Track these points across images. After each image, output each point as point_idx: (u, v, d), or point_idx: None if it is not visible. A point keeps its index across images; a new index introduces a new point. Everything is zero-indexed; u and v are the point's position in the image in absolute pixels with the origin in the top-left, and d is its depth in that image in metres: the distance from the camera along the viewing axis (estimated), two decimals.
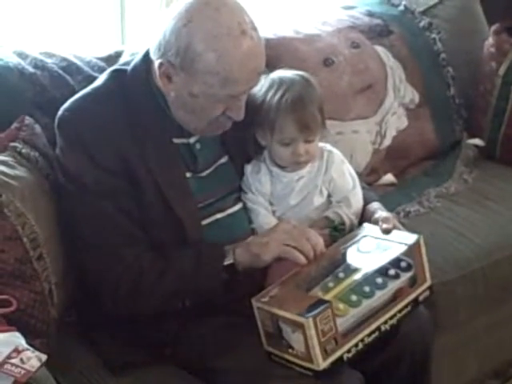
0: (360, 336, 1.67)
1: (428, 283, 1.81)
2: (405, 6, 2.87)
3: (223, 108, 1.77)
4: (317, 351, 1.59)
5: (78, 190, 1.78)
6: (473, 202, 2.57)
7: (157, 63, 1.75)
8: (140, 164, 1.78)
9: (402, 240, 1.80)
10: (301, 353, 1.62)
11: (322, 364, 1.61)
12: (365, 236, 1.82)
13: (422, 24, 2.85)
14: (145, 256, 1.78)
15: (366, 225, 1.87)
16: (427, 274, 1.81)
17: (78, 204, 1.78)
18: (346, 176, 1.93)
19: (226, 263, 1.76)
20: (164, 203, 1.80)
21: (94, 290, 1.81)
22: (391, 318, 1.72)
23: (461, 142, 2.83)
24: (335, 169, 1.92)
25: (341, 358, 1.64)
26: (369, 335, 1.68)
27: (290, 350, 1.64)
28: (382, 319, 1.70)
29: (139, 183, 1.78)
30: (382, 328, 1.70)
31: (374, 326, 1.69)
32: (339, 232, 1.87)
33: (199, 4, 1.72)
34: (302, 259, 1.72)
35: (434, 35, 2.85)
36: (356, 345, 1.66)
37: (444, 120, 2.80)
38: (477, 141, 2.86)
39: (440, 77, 2.81)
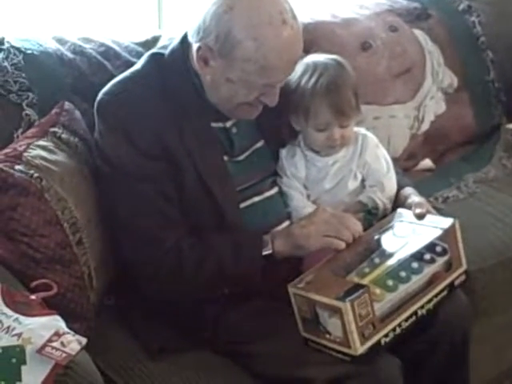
0: (397, 321, 1.66)
1: (464, 267, 1.81)
2: None
3: (257, 94, 1.77)
4: (355, 336, 1.59)
5: (116, 173, 1.79)
6: None
7: (195, 46, 1.75)
8: (179, 147, 1.78)
9: (436, 224, 1.79)
10: (338, 338, 1.62)
11: (360, 349, 1.61)
12: (399, 221, 1.82)
13: (461, 7, 2.82)
14: (184, 241, 1.78)
15: (400, 210, 1.86)
16: (463, 259, 1.80)
17: (116, 188, 1.79)
18: (380, 160, 1.92)
19: (264, 253, 1.77)
20: (203, 186, 1.80)
21: (133, 274, 1.82)
22: (428, 302, 1.72)
23: (500, 127, 2.80)
24: (369, 153, 1.91)
25: (378, 342, 1.64)
26: (406, 320, 1.68)
27: (327, 336, 1.64)
28: (419, 304, 1.70)
29: (178, 166, 1.78)
30: (419, 312, 1.70)
31: (410, 311, 1.68)
32: (373, 216, 1.86)
33: None
34: (343, 245, 1.74)
35: (473, 18, 2.81)
36: (393, 329, 1.66)
37: (483, 104, 2.76)
38: None
39: (479, 61, 2.78)
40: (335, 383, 1.65)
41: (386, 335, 1.65)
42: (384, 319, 1.65)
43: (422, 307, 1.71)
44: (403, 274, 1.69)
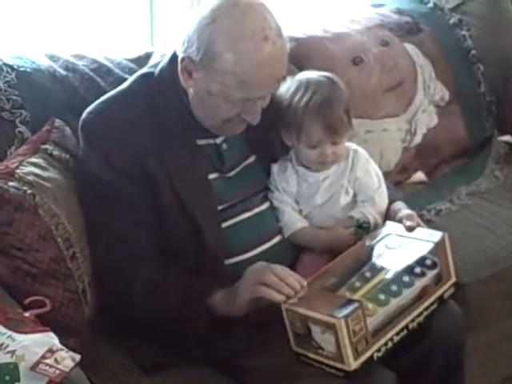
0: (389, 335, 1.66)
1: (453, 280, 1.81)
2: (434, 3, 2.85)
3: (238, 110, 1.77)
4: (348, 351, 1.59)
5: (94, 194, 1.81)
6: (504, 199, 2.56)
7: (179, 58, 1.76)
8: (159, 169, 1.79)
9: (427, 238, 1.79)
10: (331, 353, 1.62)
11: (353, 364, 1.60)
12: (388, 234, 1.82)
13: (451, 21, 2.84)
14: (141, 273, 1.78)
15: (388, 223, 1.86)
16: (452, 271, 1.81)
17: (93, 208, 1.82)
18: (371, 175, 1.93)
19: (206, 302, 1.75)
20: (182, 208, 1.80)
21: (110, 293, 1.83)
22: (418, 315, 1.72)
23: (492, 139, 2.81)
24: (360, 168, 1.91)
25: (371, 357, 1.64)
26: (397, 334, 1.68)
27: (320, 351, 1.64)
28: (410, 317, 1.70)
29: (157, 188, 1.79)
30: (410, 326, 1.70)
31: (402, 325, 1.68)
32: (364, 230, 1.86)
33: (227, 5, 1.72)
34: (278, 297, 1.66)
35: (463, 32, 2.83)
36: (385, 344, 1.66)
37: (474, 117, 2.78)
38: (508, 138, 2.84)
39: (470, 74, 2.79)
40: None
41: (379, 350, 1.65)
42: (376, 334, 1.64)
43: (412, 321, 1.70)
44: (394, 287, 1.69)
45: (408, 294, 1.70)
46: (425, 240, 1.79)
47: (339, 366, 1.62)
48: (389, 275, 1.71)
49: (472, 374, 1.99)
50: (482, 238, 2.36)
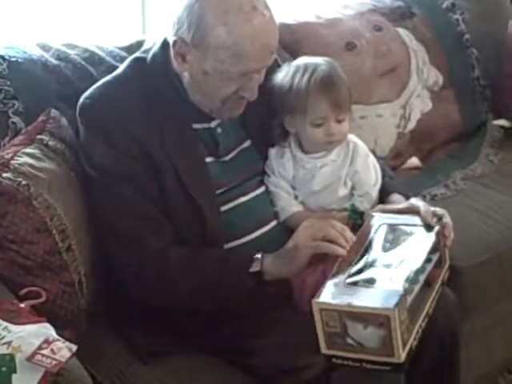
0: (419, 322, 1.64)
1: (448, 263, 1.81)
2: None
3: (235, 87, 1.77)
4: (399, 343, 1.54)
5: (99, 175, 1.80)
6: (499, 183, 2.56)
7: (171, 42, 1.77)
8: (158, 149, 1.79)
9: (419, 222, 1.77)
10: (374, 349, 1.56)
11: (403, 355, 1.56)
12: (381, 224, 1.78)
13: (444, 5, 2.83)
14: (171, 250, 1.79)
15: (375, 214, 1.83)
16: (447, 254, 1.81)
17: (100, 190, 1.80)
18: (370, 171, 1.92)
19: (251, 270, 1.75)
20: (182, 188, 1.81)
21: (119, 276, 1.83)
22: (433, 300, 1.71)
23: (486, 124, 2.81)
24: (360, 162, 1.91)
25: (411, 346, 1.60)
26: (423, 320, 1.65)
27: (359, 348, 1.58)
28: (429, 302, 1.69)
29: (158, 168, 1.79)
30: (430, 312, 1.69)
31: (425, 311, 1.67)
32: (358, 214, 1.85)
33: None
34: (340, 250, 1.69)
35: (457, 16, 2.82)
36: (417, 332, 1.63)
37: (469, 102, 2.77)
38: (502, 122, 2.84)
39: (464, 58, 2.79)
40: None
41: (414, 338, 1.61)
42: (411, 322, 1.60)
43: (430, 306, 1.69)
44: (412, 275, 1.64)
45: (422, 280, 1.68)
46: (421, 225, 1.78)
47: (386, 359, 1.56)
48: (410, 265, 1.66)
49: (469, 359, 2.00)
50: (478, 222, 2.36)
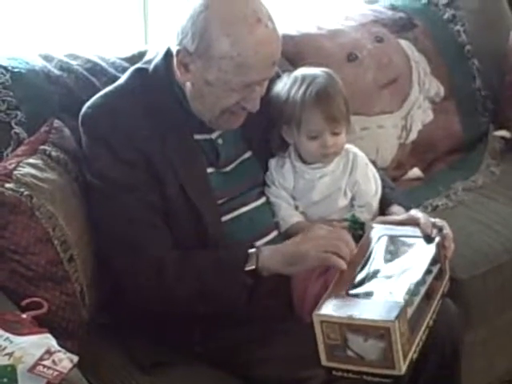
0: (420, 334, 1.63)
1: (448, 274, 1.81)
2: None
3: (237, 98, 1.78)
4: (400, 355, 1.53)
5: (101, 184, 1.80)
6: (501, 194, 2.56)
7: (174, 51, 1.77)
8: (161, 158, 1.80)
9: (418, 234, 1.77)
10: (374, 361, 1.56)
11: (403, 367, 1.55)
12: (381, 236, 1.79)
13: (445, 16, 2.84)
14: (169, 254, 1.79)
15: (375, 225, 1.83)
16: (447, 266, 1.80)
17: (102, 198, 1.81)
18: (370, 181, 1.93)
19: (247, 268, 1.74)
20: (185, 197, 1.81)
21: (119, 282, 1.82)
22: (433, 312, 1.70)
23: (487, 135, 2.81)
24: (360, 173, 1.92)
25: (411, 358, 1.59)
26: (423, 332, 1.65)
27: (359, 360, 1.57)
28: (429, 314, 1.68)
29: (160, 176, 1.80)
30: (430, 323, 1.68)
31: (425, 323, 1.66)
32: (358, 224, 1.86)
33: None
34: (344, 264, 1.69)
35: (458, 27, 2.83)
36: (418, 344, 1.62)
37: (470, 112, 2.78)
38: (503, 133, 2.84)
39: (465, 69, 2.79)
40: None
41: (415, 351, 1.61)
42: (411, 334, 1.60)
43: (431, 318, 1.69)
44: (412, 287, 1.64)
45: (423, 292, 1.68)
46: (422, 237, 1.78)
47: (387, 372, 1.56)
48: (411, 277, 1.66)
49: (470, 370, 1.99)
50: (479, 233, 2.36)
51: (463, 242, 2.22)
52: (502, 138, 2.83)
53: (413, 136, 2.63)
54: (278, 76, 1.94)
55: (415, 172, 2.64)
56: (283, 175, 1.93)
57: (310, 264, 1.73)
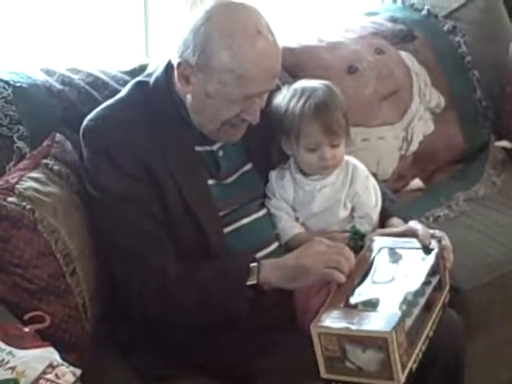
0: (419, 345, 1.63)
1: (448, 285, 1.81)
2: (428, 10, 2.87)
3: (237, 110, 1.79)
4: (398, 365, 1.53)
5: (103, 196, 1.81)
6: (502, 204, 2.56)
7: (176, 64, 1.79)
8: (162, 169, 1.81)
9: (418, 245, 1.77)
10: (372, 372, 1.55)
11: (402, 378, 1.55)
12: (381, 248, 1.79)
13: (445, 28, 2.85)
14: (172, 266, 1.79)
15: (375, 237, 1.83)
16: (447, 277, 1.80)
17: (104, 210, 1.81)
18: (370, 193, 1.93)
19: (248, 283, 1.74)
20: (186, 208, 1.82)
21: (122, 297, 1.83)
22: (433, 323, 1.70)
23: (488, 145, 2.82)
24: (360, 184, 1.92)
25: (410, 369, 1.58)
26: (423, 343, 1.65)
27: (358, 372, 1.57)
28: (429, 325, 1.68)
29: (162, 188, 1.81)
30: (430, 334, 1.68)
31: (425, 334, 1.66)
32: (359, 236, 1.86)
33: (220, 5, 1.78)
34: (343, 278, 1.69)
35: (458, 38, 2.84)
36: (417, 354, 1.62)
37: (471, 123, 2.78)
38: (504, 143, 2.84)
39: (465, 80, 2.80)
40: None
41: (414, 361, 1.60)
42: (410, 345, 1.60)
43: (430, 329, 1.68)
44: (410, 297, 1.65)
45: (422, 303, 1.68)
46: (420, 248, 1.78)
47: (386, 383, 1.55)
48: (408, 287, 1.66)
49: (473, 380, 1.99)
50: (481, 244, 2.36)
51: (465, 252, 2.22)
52: (503, 148, 2.83)
53: (414, 147, 2.64)
54: (277, 88, 1.94)
55: (416, 183, 2.65)
56: (283, 187, 1.94)
57: (311, 280, 1.73)
